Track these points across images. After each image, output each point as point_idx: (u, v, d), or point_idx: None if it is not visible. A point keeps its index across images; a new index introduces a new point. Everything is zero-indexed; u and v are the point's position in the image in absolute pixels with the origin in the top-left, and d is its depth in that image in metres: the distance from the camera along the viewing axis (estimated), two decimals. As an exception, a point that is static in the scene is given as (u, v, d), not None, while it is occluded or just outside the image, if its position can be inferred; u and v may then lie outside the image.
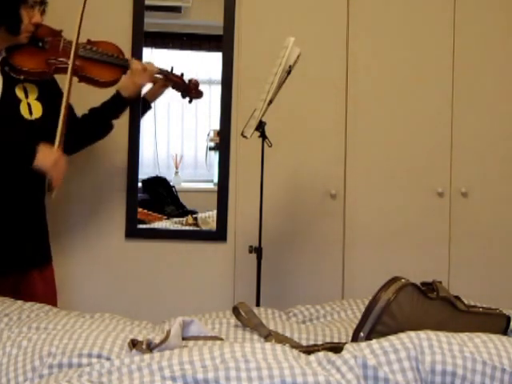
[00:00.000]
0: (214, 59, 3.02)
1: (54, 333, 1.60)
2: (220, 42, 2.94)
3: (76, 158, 2.68)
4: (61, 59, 2.36)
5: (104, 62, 2.46)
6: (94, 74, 2.44)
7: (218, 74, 2.96)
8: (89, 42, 2.48)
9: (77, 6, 2.35)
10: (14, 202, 2.32)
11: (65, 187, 2.86)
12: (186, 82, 2.66)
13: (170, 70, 2.63)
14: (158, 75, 2.61)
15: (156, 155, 3.18)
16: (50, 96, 2.38)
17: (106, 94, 2.52)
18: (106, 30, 2.76)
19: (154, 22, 3.01)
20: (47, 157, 2.24)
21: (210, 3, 3.09)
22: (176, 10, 3.09)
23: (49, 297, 2.42)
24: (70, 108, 2.45)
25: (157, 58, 2.93)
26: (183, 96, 2.68)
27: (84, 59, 2.42)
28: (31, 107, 2.31)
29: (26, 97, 2.33)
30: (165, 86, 2.66)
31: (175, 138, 3.23)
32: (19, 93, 2.32)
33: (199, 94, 2.70)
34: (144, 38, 2.89)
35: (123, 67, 2.49)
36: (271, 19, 2.96)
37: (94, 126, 2.54)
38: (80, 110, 2.52)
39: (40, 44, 2.36)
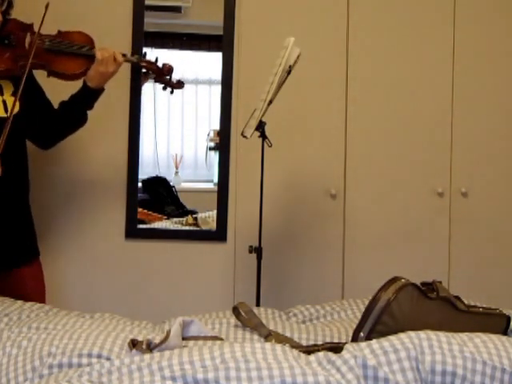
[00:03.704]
0: (214, 59, 3.02)
1: (53, 333, 1.60)
2: (220, 42, 2.94)
3: (76, 158, 2.68)
4: (26, 55, 2.27)
5: (71, 53, 2.40)
6: (61, 67, 2.38)
7: (218, 74, 2.96)
8: (59, 33, 2.42)
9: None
10: None
11: (65, 187, 2.87)
12: (160, 66, 2.62)
13: (142, 55, 2.60)
14: (129, 62, 2.58)
15: (156, 155, 3.18)
16: (27, 91, 2.31)
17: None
18: (106, 30, 2.75)
19: (153, 22, 3.01)
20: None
21: (210, 3, 3.09)
22: (176, 9, 3.09)
23: (37, 292, 2.41)
24: (45, 103, 2.44)
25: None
26: (164, 88, 2.65)
27: (50, 53, 2.37)
28: (7, 104, 2.27)
29: (1, 94, 2.30)
30: (143, 79, 2.66)
31: (175, 138, 3.23)
32: None
33: (180, 85, 2.67)
34: (144, 37, 2.89)
35: (90, 57, 2.41)
36: (271, 19, 2.96)
37: (65, 119, 2.47)
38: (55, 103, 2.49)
39: (6, 41, 2.30)
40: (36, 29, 2.31)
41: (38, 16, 2.24)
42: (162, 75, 2.63)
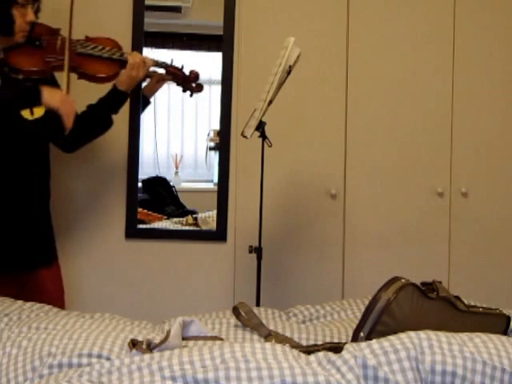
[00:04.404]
0: (214, 59, 3.01)
1: (53, 333, 1.60)
2: (220, 42, 2.94)
3: (76, 157, 2.68)
4: (58, 57, 2.36)
5: (101, 57, 2.46)
6: (92, 70, 2.44)
7: (218, 74, 2.96)
8: (87, 38, 2.49)
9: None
10: (21, 202, 2.32)
11: (65, 187, 2.87)
12: (187, 73, 2.65)
13: (169, 62, 2.62)
14: (157, 68, 2.60)
15: (156, 155, 3.18)
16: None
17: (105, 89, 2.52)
18: (106, 30, 2.75)
19: (153, 22, 3.01)
20: (53, 95, 2.25)
21: (210, 3, 3.09)
22: (176, 9, 3.09)
23: (57, 295, 2.45)
24: None
25: (157, 58, 2.92)
26: (184, 90, 2.67)
27: (81, 56, 2.43)
28: (32, 107, 2.30)
29: None
30: (162, 81, 2.66)
31: (175, 138, 3.23)
32: None
33: (200, 88, 2.69)
34: (144, 37, 2.89)
35: (120, 61, 2.48)
36: (271, 19, 2.96)
37: (93, 122, 2.53)
38: (80, 108, 2.51)
39: (37, 43, 2.36)
40: (63, 32, 2.39)
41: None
42: (189, 82, 2.65)
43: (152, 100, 2.73)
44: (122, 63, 2.48)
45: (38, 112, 2.29)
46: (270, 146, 2.56)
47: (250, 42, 2.94)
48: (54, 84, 2.45)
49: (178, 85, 2.67)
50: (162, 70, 2.64)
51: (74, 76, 2.43)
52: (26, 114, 2.26)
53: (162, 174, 3.20)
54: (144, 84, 2.66)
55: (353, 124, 3.00)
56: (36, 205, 2.40)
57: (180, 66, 2.65)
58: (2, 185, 2.29)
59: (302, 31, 2.84)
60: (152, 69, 2.59)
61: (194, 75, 2.66)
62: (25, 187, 2.33)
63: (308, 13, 2.97)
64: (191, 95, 2.69)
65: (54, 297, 2.40)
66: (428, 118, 3.03)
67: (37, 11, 2.32)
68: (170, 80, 2.66)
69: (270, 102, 2.48)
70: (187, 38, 3.18)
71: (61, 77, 2.42)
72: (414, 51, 3.02)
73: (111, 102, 2.51)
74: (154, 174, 3.18)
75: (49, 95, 2.23)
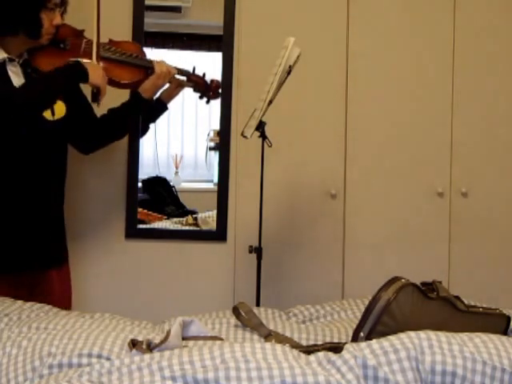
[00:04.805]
0: (214, 59, 3.01)
1: (53, 333, 1.60)
2: (220, 42, 2.94)
3: (76, 158, 2.68)
4: (82, 60, 2.33)
5: (125, 62, 2.44)
6: (116, 75, 2.41)
7: (218, 74, 2.96)
8: (110, 41, 2.46)
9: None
10: (38, 202, 2.32)
11: (64, 187, 2.87)
12: (208, 82, 2.65)
13: (191, 70, 2.61)
14: (179, 76, 2.59)
15: (156, 155, 3.18)
16: (73, 96, 2.38)
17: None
18: (106, 30, 2.74)
19: (153, 22, 3.01)
20: (96, 72, 2.27)
21: (210, 3, 3.09)
22: (176, 9, 3.09)
23: (65, 296, 2.46)
24: (89, 108, 2.47)
25: (157, 58, 2.92)
26: (201, 97, 2.66)
27: (105, 60, 2.40)
28: (54, 108, 2.29)
29: None
30: (181, 86, 2.63)
31: (175, 138, 3.23)
32: None
33: (217, 95, 2.70)
34: (144, 38, 2.89)
35: (145, 68, 2.46)
36: (271, 19, 2.96)
37: (112, 126, 2.54)
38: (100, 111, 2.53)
39: (61, 45, 2.35)
40: (87, 34, 2.39)
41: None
42: (209, 91, 2.64)
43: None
44: (146, 70, 2.45)
45: (60, 112, 2.30)
46: (270, 146, 2.56)
47: (250, 42, 2.94)
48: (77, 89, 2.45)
49: (195, 91, 2.66)
50: (183, 77, 2.62)
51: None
52: (46, 114, 2.27)
53: (162, 174, 3.20)
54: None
55: (353, 124, 3.00)
56: (52, 205, 2.39)
57: (201, 75, 2.63)
58: (19, 184, 2.28)
59: (302, 31, 2.84)
60: None
61: (216, 85, 2.65)
62: (42, 187, 2.33)
63: (308, 13, 2.97)
64: (208, 102, 2.68)
65: (63, 297, 2.41)
66: (428, 118, 3.03)
67: (63, 13, 2.31)
68: (190, 87, 2.64)
69: (270, 101, 2.48)
70: (187, 38, 3.18)
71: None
72: (413, 51, 3.02)
73: (133, 108, 2.51)
74: (154, 174, 3.18)
75: (93, 74, 2.26)
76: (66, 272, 2.50)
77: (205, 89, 2.64)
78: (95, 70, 2.28)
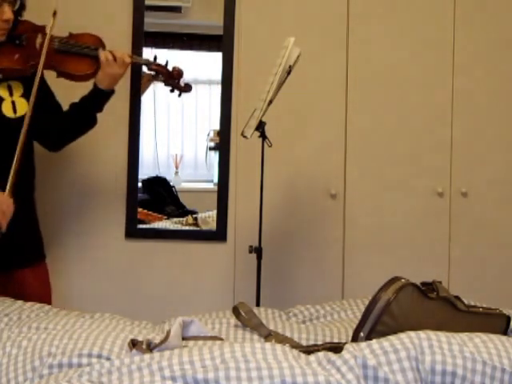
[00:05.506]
0: (214, 59, 3.01)
1: (53, 333, 1.60)
2: (220, 42, 2.94)
3: (76, 158, 2.68)
4: (37, 55, 2.27)
5: (80, 54, 2.39)
6: (71, 68, 2.37)
7: (218, 74, 2.96)
8: (70, 35, 2.42)
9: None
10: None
11: (65, 187, 2.87)
12: (170, 70, 2.59)
13: (152, 59, 2.56)
14: (144, 67, 2.55)
15: (156, 155, 3.18)
16: (37, 92, 2.28)
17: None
18: (106, 30, 2.75)
19: (153, 22, 3.01)
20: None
21: (210, 3, 3.09)
22: (176, 10, 3.09)
23: (43, 294, 2.41)
24: (56, 105, 2.43)
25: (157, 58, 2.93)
26: (172, 90, 2.61)
27: (60, 53, 2.36)
28: (16, 105, 2.26)
29: (11, 95, 2.30)
30: (150, 80, 2.61)
31: (175, 138, 3.23)
32: (2, 92, 2.28)
33: (188, 88, 2.63)
34: (144, 37, 2.89)
35: (97, 59, 2.40)
36: (271, 19, 2.96)
37: (75, 120, 2.46)
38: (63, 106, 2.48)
39: (17, 41, 2.30)
40: (46, 30, 2.30)
41: (44, 19, 2.25)
42: (172, 78, 2.59)
43: (152, 100, 2.71)
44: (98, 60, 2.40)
45: (21, 110, 2.25)
46: (270, 146, 2.56)
47: (250, 42, 2.94)
48: (43, 83, 2.38)
49: (165, 85, 2.61)
50: (145, 68, 2.58)
51: (53, 74, 2.39)
52: (8, 112, 2.24)
53: (162, 174, 3.20)
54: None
55: (353, 124, 3.00)
56: (19, 204, 2.26)
57: (164, 63, 2.58)
58: None
59: (302, 31, 2.84)
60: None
61: (177, 72, 2.58)
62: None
63: (308, 13, 2.97)
64: (179, 95, 2.62)
65: (41, 295, 2.35)
66: (428, 118, 3.03)
67: (20, 9, 2.26)
68: (160, 81, 2.60)
69: (270, 101, 2.48)
70: (187, 38, 3.18)
71: (47, 74, 2.38)
72: (414, 51, 3.02)
73: (93, 101, 2.43)
74: (154, 174, 3.18)
75: None
76: (42, 270, 2.45)
77: (168, 77, 2.58)
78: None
